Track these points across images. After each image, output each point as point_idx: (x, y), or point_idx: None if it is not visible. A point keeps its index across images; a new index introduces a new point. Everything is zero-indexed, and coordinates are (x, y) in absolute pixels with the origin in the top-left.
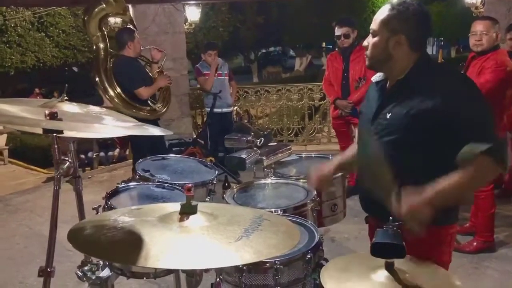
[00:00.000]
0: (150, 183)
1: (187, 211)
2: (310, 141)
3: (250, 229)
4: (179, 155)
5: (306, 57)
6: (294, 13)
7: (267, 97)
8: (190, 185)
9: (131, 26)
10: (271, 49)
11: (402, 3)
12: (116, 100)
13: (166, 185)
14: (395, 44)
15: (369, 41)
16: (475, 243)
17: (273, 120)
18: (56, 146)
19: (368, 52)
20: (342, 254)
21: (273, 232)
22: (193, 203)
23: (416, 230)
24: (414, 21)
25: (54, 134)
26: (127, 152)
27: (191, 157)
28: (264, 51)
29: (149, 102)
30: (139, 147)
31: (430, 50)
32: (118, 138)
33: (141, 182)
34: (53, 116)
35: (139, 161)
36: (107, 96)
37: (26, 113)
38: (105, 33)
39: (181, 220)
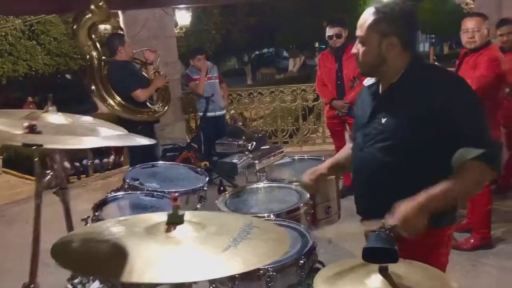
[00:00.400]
0: (139, 192)
1: (174, 221)
2: (305, 142)
3: (238, 238)
4: (169, 162)
5: (299, 57)
6: (286, 14)
7: (260, 99)
8: (176, 194)
9: (120, 31)
10: (265, 50)
11: (385, 5)
12: (116, 108)
13: (156, 193)
14: (388, 47)
15: (359, 48)
16: (472, 240)
17: (268, 122)
18: (36, 160)
19: (360, 60)
20: (340, 255)
21: (263, 240)
22: (180, 212)
23: (413, 235)
24: (403, 20)
25: (34, 148)
26: (122, 159)
27: (182, 164)
28: (257, 52)
29: (148, 104)
30: (135, 153)
31: (422, 47)
32: None
33: (130, 192)
34: (32, 129)
35: (129, 170)
36: (105, 104)
37: (3, 126)
38: (96, 41)
39: (168, 230)
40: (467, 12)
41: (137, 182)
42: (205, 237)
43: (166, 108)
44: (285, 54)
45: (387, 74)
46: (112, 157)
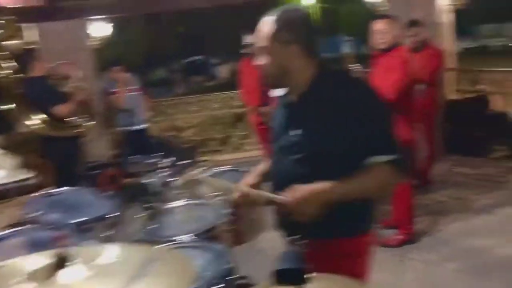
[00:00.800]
0: (36, 226)
1: (60, 263)
2: (237, 149)
3: (136, 275)
4: (73, 188)
5: (229, 63)
6: (213, 20)
7: (188, 109)
8: (59, 234)
9: (33, 47)
10: (194, 58)
11: (283, 13)
12: (37, 126)
13: (56, 226)
14: (290, 56)
15: (263, 59)
16: (398, 236)
17: (198, 131)
18: None
19: (265, 71)
20: (270, 265)
21: (165, 274)
22: (67, 252)
23: (300, 218)
24: (303, 27)
25: None
26: (45, 180)
27: (88, 188)
28: (186, 60)
29: (71, 119)
30: (56, 172)
31: (343, 49)
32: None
33: (27, 226)
34: None
35: (28, 201)
36: (25, 124)
37: None
38: (7, 58)
39: (55, 275)
40: (380, 14)
41: (37, 213)
42: (99, 277)
43: (90, 122)
44: (215, 61)
45: (294, 84)
46: (34, 179)
